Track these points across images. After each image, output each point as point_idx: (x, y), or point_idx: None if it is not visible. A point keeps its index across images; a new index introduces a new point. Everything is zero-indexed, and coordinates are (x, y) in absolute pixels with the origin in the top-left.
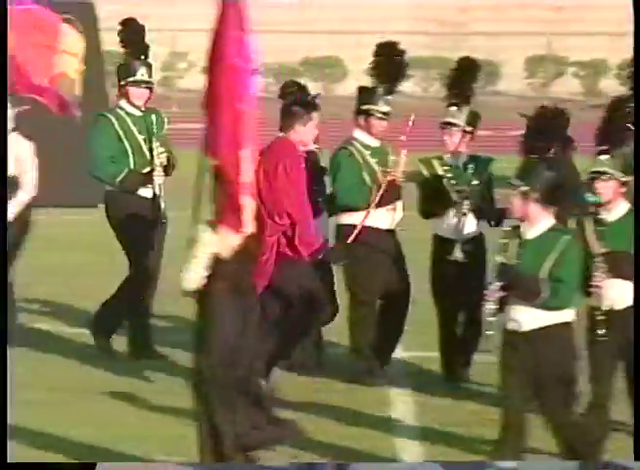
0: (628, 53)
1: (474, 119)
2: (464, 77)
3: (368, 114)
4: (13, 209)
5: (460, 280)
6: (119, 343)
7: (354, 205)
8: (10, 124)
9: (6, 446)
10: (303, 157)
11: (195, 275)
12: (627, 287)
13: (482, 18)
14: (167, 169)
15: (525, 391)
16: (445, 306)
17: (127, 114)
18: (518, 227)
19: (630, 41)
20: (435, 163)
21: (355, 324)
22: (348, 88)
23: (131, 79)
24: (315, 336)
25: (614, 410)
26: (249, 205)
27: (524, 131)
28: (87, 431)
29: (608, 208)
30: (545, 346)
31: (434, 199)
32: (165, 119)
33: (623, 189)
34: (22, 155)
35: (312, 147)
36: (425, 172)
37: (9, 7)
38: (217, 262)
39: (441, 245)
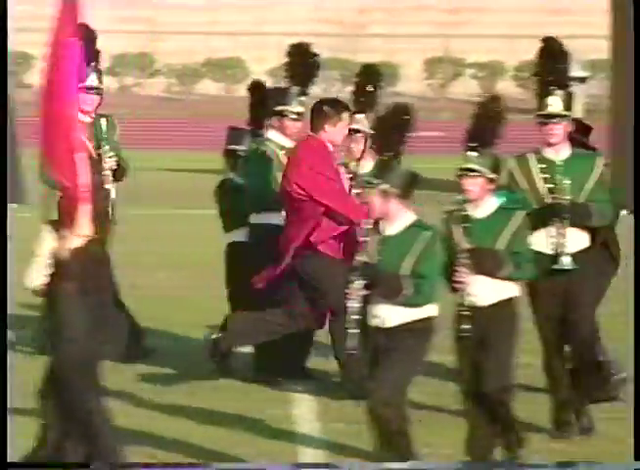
0: (525, 55)
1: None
2: (368, 84)
3: (282, 115)
4: None
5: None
6: None
7: (266, 205)
8: None
9: (6, 445)
10: (333, 155)
11: (36, 274)
12: (491, 284)
13: (381, 20)
14: (117, 174)
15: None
16: None
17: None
18: (377, 224)
19: (525, 43)
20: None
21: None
22: None
23: (81, 85)
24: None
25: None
26: (85, 208)
27: (373, 131)
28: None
29: (475, 204)
30: (408, 341)
31: None
32: (117, 124)
33: (492, 186)
34: None
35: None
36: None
37: None
38: (61, 262)
39: None
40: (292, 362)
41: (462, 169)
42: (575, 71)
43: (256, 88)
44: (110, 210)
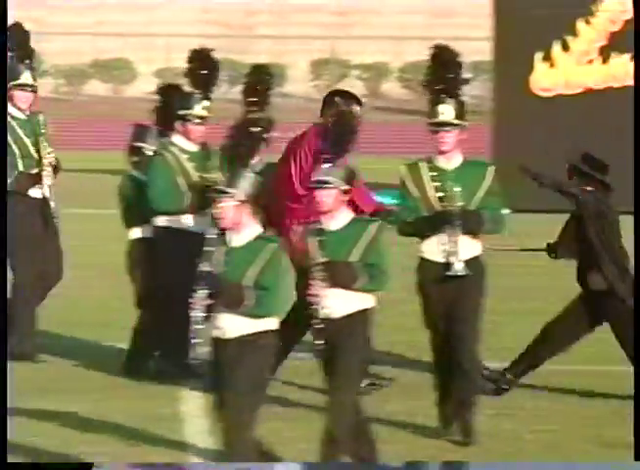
0: (410, 56)
1: (270, 125)
2: (260, 85)
3: (185, 119)
4: None
5: None
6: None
7: (167, 209)
8: None
9: (6, 445)
10: None
11: None
12: (346, 296)
13: (268, 21)
14: (55, 170)
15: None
16: None
17: (13, 117)
18: (223, 235)
19: (410, 45)
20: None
21: None
22: (138, 89)
23: (16, 83)
24: None
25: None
26: None
27: (226, 141)
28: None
29: (330, 216)
30: (249, 353)
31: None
32: (47, 121)
33: (345, 197)
34: None
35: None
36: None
37: None
38: None
39: None
40: (179, 358)
41: (316, 181)
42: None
43: (166, 90)
44: (52, 205)
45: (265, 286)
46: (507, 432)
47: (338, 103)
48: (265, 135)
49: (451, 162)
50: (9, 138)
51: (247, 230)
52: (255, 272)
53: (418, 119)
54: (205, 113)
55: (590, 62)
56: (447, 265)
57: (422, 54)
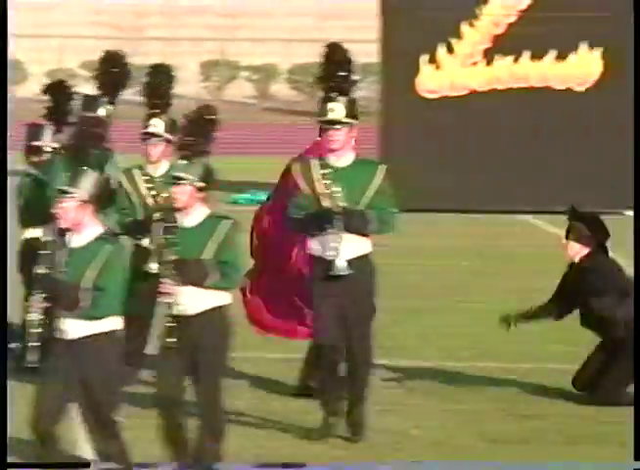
0: (299, 58)
1: (174, 127)
2: (162, 86)
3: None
4: None
5: None
6: None
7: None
8: None
9: (6, 445)
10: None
11: None
12: (199, 293)
13: (158, 23)
14: None
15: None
16: None
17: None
18: (63, 236)
19: (299, 47)
20: (136, 172)
21: None
22: (29, 90)
23: None
24: None
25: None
26: None
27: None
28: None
29: (184, 213)
30: (90, 354)
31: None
32: None
33: (201, 195)
34: None
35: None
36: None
37: None
38: None
39: None
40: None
41: (172, 177)
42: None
43: (56, 88)
44: None
45: (102, 287)
46: (393, 428)
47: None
48: (164, 136)
49: (341, 160)
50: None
51: (87, 230)
52: (94, 273)
53: (307, 120)
54: (106, 115)
55: (474, 64)
56: (332, 263)
57: (310, 56)
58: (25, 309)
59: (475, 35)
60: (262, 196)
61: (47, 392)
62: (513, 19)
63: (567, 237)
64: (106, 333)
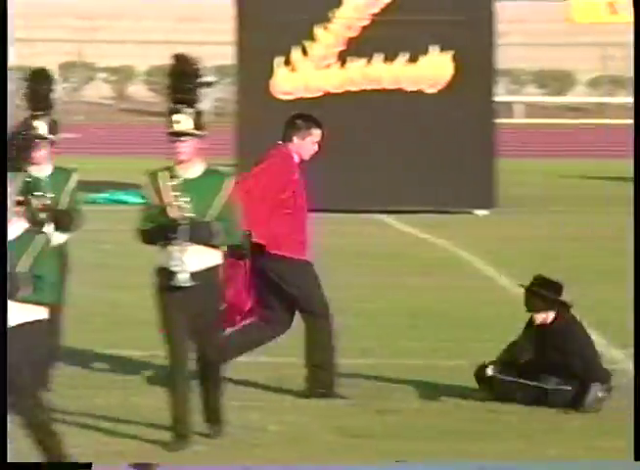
0: (156, 60)
1: (55, 128)
2: (39, 89)
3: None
4: None
5: None
6: None
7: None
8: None
9: (6, 446)
10: (295, 166)
11: None
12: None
13: (18, 25)
14: None
15: None
16: None
17: None
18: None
19: (156, 49)
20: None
21: None
22: None
23: None
24: None
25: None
26: None
27: None
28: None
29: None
30: (22, 342)
31: None
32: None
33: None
34: None
35: None
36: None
37: None
38: None
39: None
40: None
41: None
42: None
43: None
44: None
45: (39, 275)
46: (252, 424)
47: (298, 125)
48: (49, 138)
49: (189, 171)
50: None
51: (15, 225)
52: (29, 262)
53: (164, 121)
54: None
55: (328, 66)
56: (174, 275)
57: (167, 58)
58: None
59: (328, 38)
60: (121, 196)
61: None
62: (366, 22)
63: (528, 309)
64: (36, 322)
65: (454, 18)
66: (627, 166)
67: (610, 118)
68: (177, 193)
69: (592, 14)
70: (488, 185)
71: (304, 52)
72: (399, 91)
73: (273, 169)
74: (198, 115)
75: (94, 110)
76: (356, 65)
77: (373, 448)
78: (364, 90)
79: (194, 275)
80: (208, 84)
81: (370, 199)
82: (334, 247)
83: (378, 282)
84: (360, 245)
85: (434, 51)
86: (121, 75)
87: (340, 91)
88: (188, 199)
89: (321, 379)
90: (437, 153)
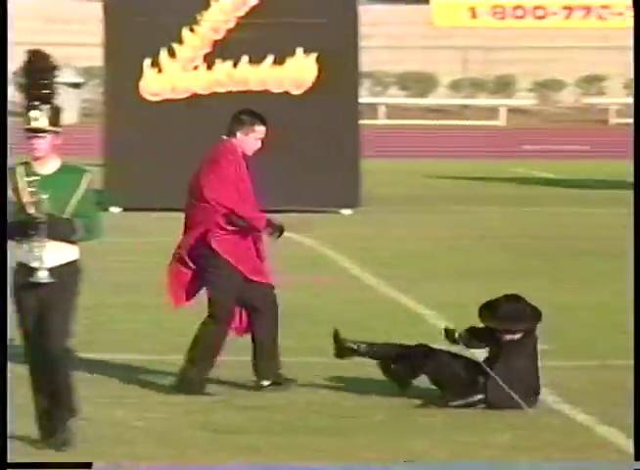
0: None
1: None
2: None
3: None
4: None
5: None
6: None
7: None
8: None
9: (6, 446)
10: (242, 160)
11: None
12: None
13: None
14: None
15: None
16: None
17: None
18: None
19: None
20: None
21: None
22: None
23: None
24: None
25: None
26: None
27: None
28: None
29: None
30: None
31: None
32: None
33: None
34: None
35: None
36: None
37: None
38: None
39: None
40: None
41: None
42: (70, 78)
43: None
44: None
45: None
46: (116, 420)
47: (242, 120)
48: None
49: (46, 167)
50: None
51: None
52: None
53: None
54: None
55: (196, 68)
56: (35, 271)
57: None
58: None
59: (195, 40)
60: None
61: None
62: (232, 24)
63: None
64: None
65: (318, 20)
66: (488, 166)
67: (470, 120)
68: (34, 189)
69: (453, 18)
70: (353, 185)
71: (172, 54)
72: (266, 93)
73: (229, 158)
74: (54, 111)
75: None
76: (223, 67)
77: (239, 444)
78: (230, 92)
79: (52, 271)
80: (76, 85)
81: None
82: None
83: None
84: None
85: (299, 53)
86: None
87: (207, 93)
88: (46, 195)
89: (191, 376)
90: (303, 153)
